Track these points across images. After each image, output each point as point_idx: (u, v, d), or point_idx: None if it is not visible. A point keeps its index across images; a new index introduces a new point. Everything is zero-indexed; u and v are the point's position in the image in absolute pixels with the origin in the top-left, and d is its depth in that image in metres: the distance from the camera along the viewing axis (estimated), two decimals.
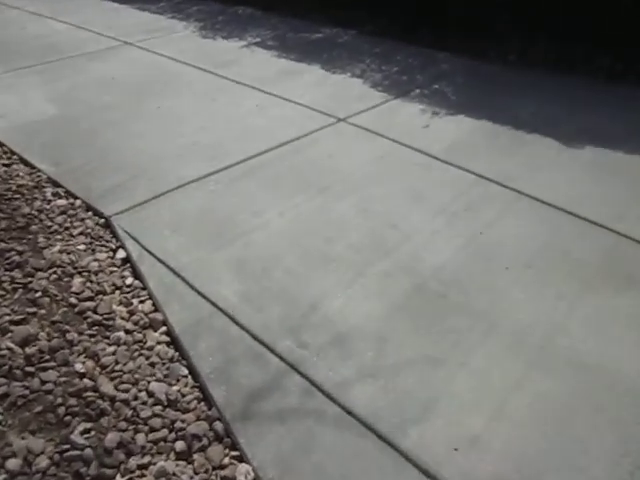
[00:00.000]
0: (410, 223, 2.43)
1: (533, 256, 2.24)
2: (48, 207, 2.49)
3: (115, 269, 2.17)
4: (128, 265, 2.20)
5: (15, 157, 2.94)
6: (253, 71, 4.03)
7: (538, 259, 2.22)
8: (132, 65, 4.22)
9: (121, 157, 2.91)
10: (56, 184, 2.69)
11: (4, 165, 2.83)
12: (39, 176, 2.76)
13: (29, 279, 2.02)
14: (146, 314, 1.97)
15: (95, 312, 1.94)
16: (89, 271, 2.12)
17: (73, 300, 1.97)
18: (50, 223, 2.37)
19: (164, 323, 1.94)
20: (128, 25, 5.25)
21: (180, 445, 1.54)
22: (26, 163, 2.88)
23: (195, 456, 1.52)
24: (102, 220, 2.43)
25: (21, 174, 2.76)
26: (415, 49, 4.44)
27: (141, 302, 2.03)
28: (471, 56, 4.24)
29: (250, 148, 2.97)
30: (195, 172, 2.75)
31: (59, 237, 2.29)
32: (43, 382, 1.66)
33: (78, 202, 2.55)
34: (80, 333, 1.85)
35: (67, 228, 2.36)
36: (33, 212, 2.42)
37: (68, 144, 3.04)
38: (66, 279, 2.07)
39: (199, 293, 2.05)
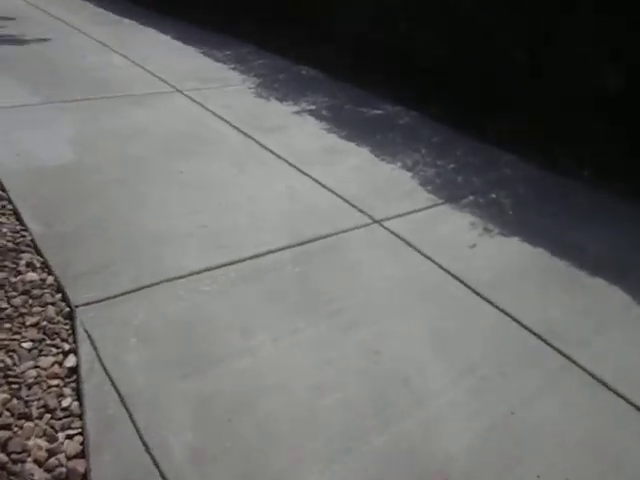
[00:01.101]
0: (426, 381, 1.95)
1: (575, 459, 1.71)
2: (14, 281, 2.16)
3: (55, 383, 1.78)
4: (74, 378, 1.81)
5: (10, 207, 2.66)
6: (296, 143, 3.70)
7: (581, 468, 1.69)
8: (173, 116, 3.97)
9: (120, 227, 2.58)
10: (37, 250, 2.37)
11: None
12: (23, 236, 2.45)
13: None
14: (68, 459, 1.57)
15: (3, 448, 1.54)
16: (21, 383, 1.74)
17: None
18: (5, 305, 2.03)
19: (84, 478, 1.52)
20: (186, 70, 5.08)
21: None
22: (17, 217, 2.59)
23: None
24: (67, 309, 2.07)
25: (5, 230, 2.46)
26: (479, 144, 4.00)
27: (68, 438, 1.63)
28: (540, 163, 3.76)
29: (265, 241, 2.58)
30: (192, 263, 2.37)
31: (7, 326, 1.94)
32: None
33: (50, 279, 2.21)
34: None
35: (22, 314, 2.01)
36: None
37: (69, 201, 2.75)
38: None
39: (142, 440, 1.63)
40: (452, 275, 2.51)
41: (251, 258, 2.45)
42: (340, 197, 3.07)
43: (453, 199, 3.20)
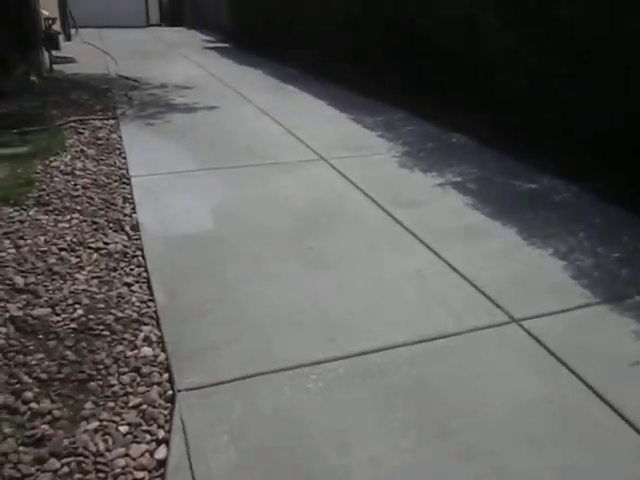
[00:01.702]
0: None
1: None
2: (128, 355, 2.19)
3: (141, 476, 1.72)
4: (160, 472, 1.74)
5: (144, 276, 2.78)
6: (434, 220, 3.46)
7: None
8: (313, 185, 3.99)
9: (237, 305, 2.55)
10: (157, 323, 2.41)
11: (126, 285, 2.67)
12: (148, 307, 2.53)
13: (36, 468, 1.68)
14: None
15: None
16: (108, 472, 1.71)
17: None
18: (114, 381, 2.05)
19: None
20: (334, 137, 5.15)
21: None
22: (149, 286, 2.70)
23: None
24: (169, 392, 2.04)
25: (134, 300, 2.56)
26: None
27: None
28: None
29: (382, 334, 2.37)
30: (300, 353, 2.23)
31: (110, 405, 1.95)
32: None
33: (162, 357, 2.21)
34: None
35: (127, 394, 2.01)
36: (106, 361, 2.13)
37: (197, 273, 2.80)
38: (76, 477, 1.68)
39: None
40: (604, 400, 2.06)
41: (364, 353, 2.25)
42: (474, 286, 2.76)
43: (614, 298, 2.70)
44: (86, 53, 11.51)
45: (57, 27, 10.71)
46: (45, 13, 9.15)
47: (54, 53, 9.52)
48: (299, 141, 5.01)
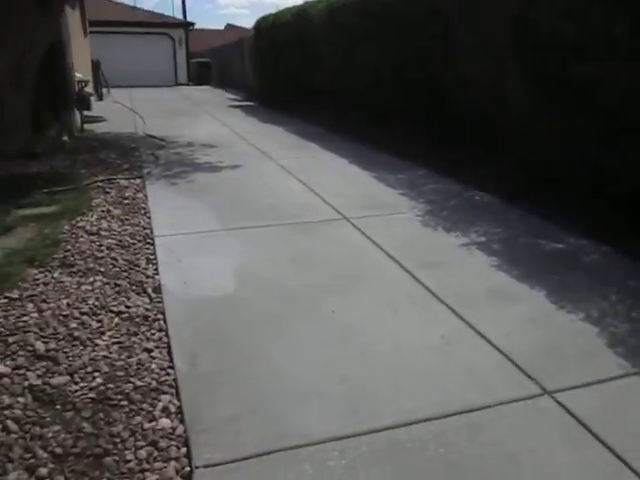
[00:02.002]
0: None
1: None
2: (146, 427, 2.13)
3: None
4: None
5: (165, 341, 2.74)
6: (458, 282, 3.39)
7: None
8: (336, 246, 3.97)
9: (257, 374, 2.48)
10: (177, 392, 2.36)
11: (146, 350, 2.63)
12: (168, 374, 2.47)
13: None
14: None
15: None
16: None
17: None
18: (131, 456, 1.98)
19: None
20: (357, 195, 5.17)
21: None
22: (169, 351, 2.65)
23: None
24: (187, 469, 1.96)
25: (153, 367, 2.51)
26: None
27: None
28: None
29: (406, 408, 2.27)
30: (321, 428, 2.14)
31: None
32: None
33: (180, 429, 2.14)
34: None
35: (143, 470, 1.93)
36: (123, 434, 2.07)
37: (217, 338, 2.76)
38: None
39: None
40: None
41: (388, 429, 2.15)
42: (503, 354, 2.65)
43: None
44: (116, 112, 11.96)
45: (89, 89, 11.18)
46: (78, 76, 9.57)
47: (85, 113, 9.90)
48: (321, 199, 5.04)
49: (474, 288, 3.33)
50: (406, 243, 4.01)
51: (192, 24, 26.28)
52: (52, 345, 2.56)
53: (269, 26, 12.79)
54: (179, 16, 29.17)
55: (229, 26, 36.19)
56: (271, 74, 13.19)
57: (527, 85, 4.67)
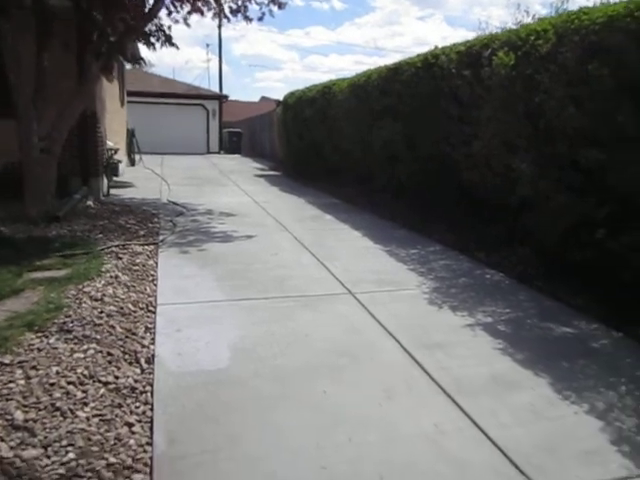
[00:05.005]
0: None
1: None
2: None
3: None
4: None
5: (149, 415, 2.68)
6: (459, 366, 3.27)
7: None
8: (337, 322, 3.90)
9: (237, 459, 2.39)
10: (150, 472, 2.27)
11: (127, 424, 2.57)
12: (145, 452, 2.40)
13: None
14: None
15: None
16: None
17: None
18: None
19: None
20: (365, 270, 5.13)
21: None
22: (151, 426, 2.58)
23: None
24: None
25: (131, 443, 2.44)
26: None
27: None
28: None
29: None
30: None
31: None
32: None
33: None
34: None
35: None
36: None
37: (203, 416, 2.68)
38: None
39: None
40: None
41: None
42: (499, 449, 2.51)
43: None
44: (145, 178, 12.36)
45: (120, 156, 11.64)
46: (110, 144, 10.01)
47: (114, 178, 10.27)
48: (329, 273, 5.02)
49: (475, 372, 3.20)
50: (408, 321, 3.91)
51: (226, 96, 27.48)
52: (32, 415, 2.52)
53: (295, 100, 13.29)
54: (216, 88, 30.67)
55: (263, 98, 37.73)
56: (296, 146, 13.57)
57: (538, 169, 4.68)
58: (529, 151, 4.82)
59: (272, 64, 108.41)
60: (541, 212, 4.84)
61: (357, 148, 9.33)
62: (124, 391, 2.85)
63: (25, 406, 2.58)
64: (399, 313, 4.08)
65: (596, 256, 4.28)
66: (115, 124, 12.35)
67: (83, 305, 3.89)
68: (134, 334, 3.52)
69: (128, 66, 15.30)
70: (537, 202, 4.88)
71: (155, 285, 4.51)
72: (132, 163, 16.01)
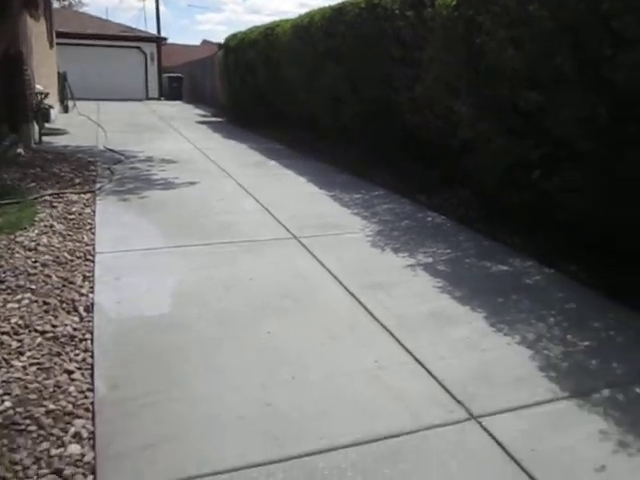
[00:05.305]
0: None
1: None
2: (53, 454, 2.02)
3: None
4: None
5: (89, 362, 2.64)
6: (400, 305, 3.37)
7: None
8: (281, 266, 3.91)
9: (181, 399, 2.40)
10: (92, 417, 2.25)
11: (67, 372, 2.52)
12: (86, 397, 2.37)
13: None
14: None
15: None
16: None
17: None
18: None
19: None
20: (310, 215, 5.13)
21: None
22: (92, 373, 2.55)
23: None
24: None
25: (72, 390, 2.41)
26: (628, 316, 3.31)
27: None
28: None
29: (328, 434, 2.21)
30: (238, 455, 2.07)
31: None
32: None
33: (90, 456, 2.04)
34: None
35: None
36: (26, 461, 1.96)
37: (145, 361, 2.67)
38: None
39: None
40: None
41: (307, 455, 2.09)
42: (435, 379, 2.62)
43: (581, 393, 2.57)
44: (80, 125, 11.78)
45: (51, 101, 10.99)
46: (39, 88, 9.40)
47: (46, 125, 9.72)
48: (273, 219, 4.99)
49: (415, 310, 3.30)
50: (351, 264, 3.97)
51: (165, 39, 26.22)
52: None
53: (237, 43, 12.82)
54: (153, 30, 29.15)
55: (205, 42, 36.16)
56: (238, 91, 13.18)
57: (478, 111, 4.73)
58: (470, 94, 4.85)
59: (213, 4, 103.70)
60: (481, 154, 4.93)
61: (301, 90, 9.15)
62: (62, 339, 2.79)
63: None
64: (343, 256, 4.12)
65: (533, 198, 4.42)
66: (44, 68, 11.58)
67: (16, 255, 3.73)
68: (72, 283, 3.42)
69: (56, 4, 14.27)
70: (478, 145, 4.95)
71: (93, 234, 4.37)
72: (65, 110, 15.19)
